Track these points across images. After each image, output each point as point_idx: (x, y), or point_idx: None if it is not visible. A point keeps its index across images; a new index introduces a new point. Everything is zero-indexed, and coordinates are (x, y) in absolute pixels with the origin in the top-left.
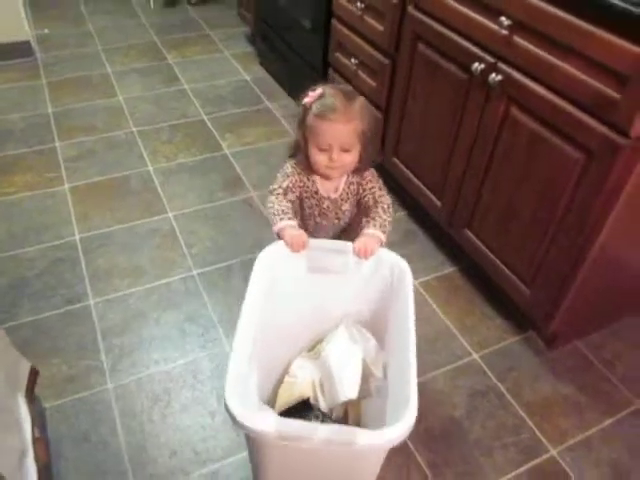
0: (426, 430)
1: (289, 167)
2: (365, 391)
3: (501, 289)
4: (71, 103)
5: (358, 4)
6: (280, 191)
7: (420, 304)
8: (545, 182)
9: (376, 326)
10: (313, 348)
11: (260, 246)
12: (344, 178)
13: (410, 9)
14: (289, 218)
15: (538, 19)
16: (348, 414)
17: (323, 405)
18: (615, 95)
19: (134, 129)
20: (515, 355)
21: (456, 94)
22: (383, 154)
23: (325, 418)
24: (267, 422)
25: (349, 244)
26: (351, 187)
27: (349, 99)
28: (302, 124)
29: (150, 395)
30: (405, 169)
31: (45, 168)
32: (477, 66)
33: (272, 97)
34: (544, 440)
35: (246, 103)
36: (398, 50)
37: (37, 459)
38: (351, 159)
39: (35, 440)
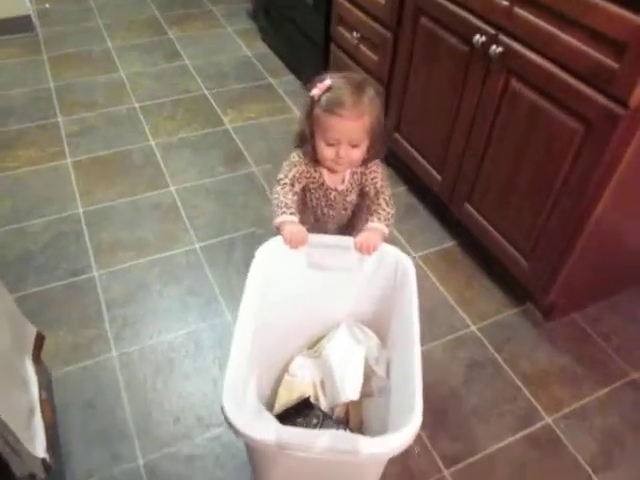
0: (423, 398)
1: (296, 157)
2: (367, 390)
3: (500, 262)
4: (72, 78)
5: None
6: (287, 181)
7: (420, 278)
8: (544, 154)
9: (378, 324)
10: (314, 346)
11: (261, 221)
12: (349, 169)
13: None
14: (291, 213)
15: None
16: (349, 413)
17: (324, 405)
18: (614, 65)
19: (136, 104)
20: (513, 327)
21: (457, 67)
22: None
23: (326, 418)
24: (267, 431)
25: (350, 239)
26: (355, 177)
27: (359, 92)
28: (309, 116)
29: (153, 364)
30: (406, 144)
31: (48, 143)
32: (478, 38)
33: (274, 73)
34: (540, 408)
35: (248, 79)
36: (400, 24)
37: (44, 419)
38: (359, 154)
39: (42, 401)
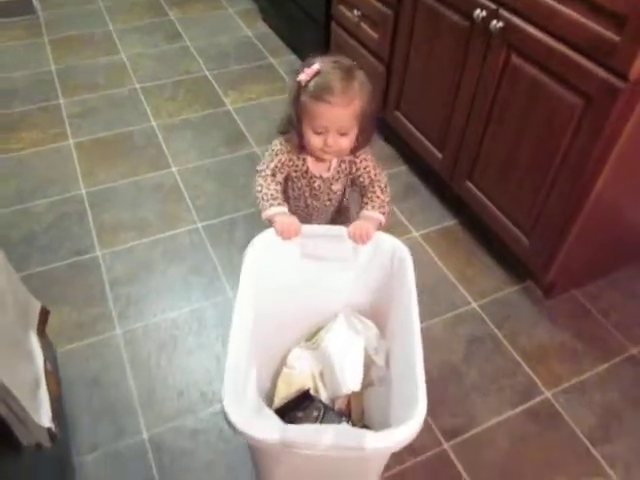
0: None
1: (278, 144)
2: (367, 380)
3: (501, 240)
4: (74, 60)
5: None
6: (268, 172)
7: (420, 255)
8: (544, 129)
9: (376, 314)
10: (312, 338)
11: None
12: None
13: None
14: (279, 204)
15: None
16: (351, 404)
17: (324, 396)
18: (614, 38)
19: (137, 86)
20: (513, 304)
21: (458, 44)
22: (385, 107)
23: (327, 410)
24: (270, 430)
25: (344, 229)
26: (342, 166)
27: (348, 77)
28: (296, 102)
29: (157, 341)
30: (407, 122)
31: (50, 125)
32: (479, 13)
33: (275, 53)
34: (539, 383)
35: (249, 59)
36: (400, 0)
37: (49, 390)
38: (348, 143)
39: (47, 373)
